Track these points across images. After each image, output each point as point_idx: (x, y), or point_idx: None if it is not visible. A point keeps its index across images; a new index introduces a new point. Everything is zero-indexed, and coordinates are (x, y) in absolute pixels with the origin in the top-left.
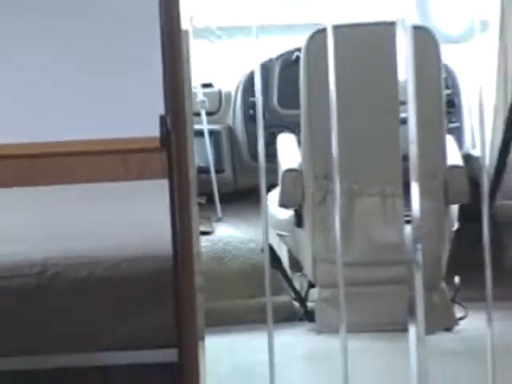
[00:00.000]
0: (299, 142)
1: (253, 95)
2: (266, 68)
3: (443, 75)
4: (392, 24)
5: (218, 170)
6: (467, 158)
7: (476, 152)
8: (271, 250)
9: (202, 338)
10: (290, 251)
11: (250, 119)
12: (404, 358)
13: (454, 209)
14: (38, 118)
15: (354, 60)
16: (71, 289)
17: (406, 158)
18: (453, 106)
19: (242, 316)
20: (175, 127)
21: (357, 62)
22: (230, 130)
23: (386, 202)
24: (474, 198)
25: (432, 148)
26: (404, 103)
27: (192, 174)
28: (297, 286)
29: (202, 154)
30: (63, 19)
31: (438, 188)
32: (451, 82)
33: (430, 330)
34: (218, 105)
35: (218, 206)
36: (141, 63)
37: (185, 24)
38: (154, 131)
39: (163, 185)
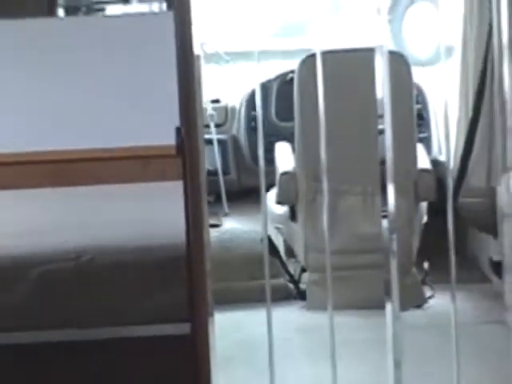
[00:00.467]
0: (293, 149)
1: (254, 110)
2: (265, 87)
3: (414, 93)
4: (371, 50)
5: (225, 173)
6: (435, 162)
7: (442, 157)
8: (270, 240)
9: (212, 314)
10: (285, 241)
11: (251, 130)
12: (382, 331)
13: (424, 205)
14: (74, 129)
15: (339, 80)
16: (102, 272)
17: (383, 163)
18: (422, 118)
19: (244, 295)
20: (188, 137)
21: (342, 82)
22: (235, 139)
23: (366, 199)
24: (440, 196)
25: (405, 154)
26: (381, 116)
27: (202, 176)
28: (291, 270)
29: (211, 159)
30: (100, 49)
31: (409, 188)
32: (421, 99)
33: (404, 307)
34: (224, 118)
35: (225, 203)
36: (160, 83)
37: (197, 50)
38: (171, 140)
39: (178, 186)
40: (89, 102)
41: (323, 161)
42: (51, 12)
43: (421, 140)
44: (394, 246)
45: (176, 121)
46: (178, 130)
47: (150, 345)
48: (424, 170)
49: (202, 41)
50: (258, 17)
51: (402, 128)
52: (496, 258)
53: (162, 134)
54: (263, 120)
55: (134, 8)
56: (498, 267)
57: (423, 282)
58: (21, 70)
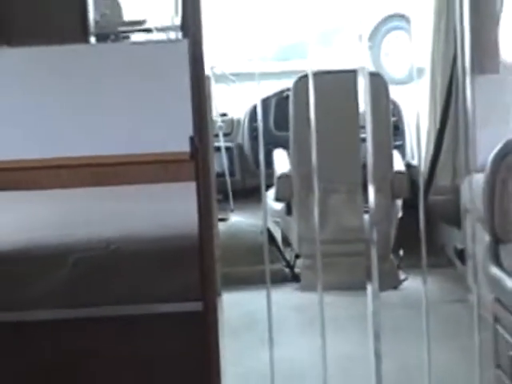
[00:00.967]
0: (289, 154)
1: (255, 122)
2: (265, 102)
3: (390, 107)
4: (354, 71)
5: (231, 175)
6: (408, 165)
7: (414, 161)
8: (269, 231)
9: (220, 294)
10: (282, 232)
11: (253, 139)
12: (363, 308)
13: (399, 202)
14: (105, 138)
15: (327, 97)
16: (127, 258)
17: (364, 166)
18: (398, 129)
19: (247, 278)
20: (200, 145)
21: (330, 98)
22: (240, 146)
23: (350, 197)
24: (413, 194)
25: (383, 159)
26: (363, 127)
27: (212, 178)
28: (287, 257)
29: (220, 163)
30: (126, 70)
31: (387, 187)
32: (396, 112)
33: (382, 288)
34: (231, 128)
35: (231, 200)
36: (176, 99)
37: (207, 71)
38: (186, 148)
39: (192, 186)
40: (117, 116)
41: (314, 164)
42: (85, 39)
43: (396, 147)
44: (374, 237)
45: (190, 131)
46: (191, 139)
47: (168, 320)
48: (399, 172)
49: (212, 64)
50: (259, 44)
51: (380, 137)
52: (459, 246)
53: (179, 142)
54: (263, 130)
55: (154, 36)
56: (461, 254)
57: (398, 267)
58: (58, 89)
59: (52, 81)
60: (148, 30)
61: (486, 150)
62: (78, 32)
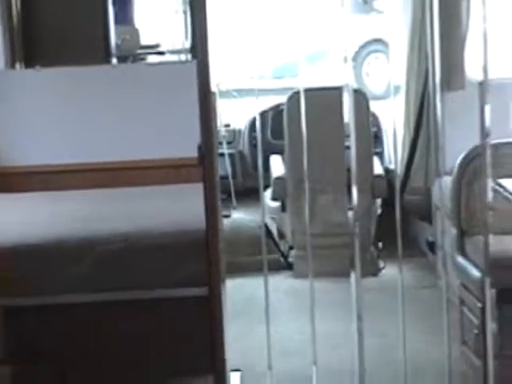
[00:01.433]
0: (283, 160)
1: (255, 131)
2: (263, 115)
3: (371, 119)
4: (340, 88)
5: (233, 177)
6: (386, 169)
7: (391, 166)
8: (266, 226)
9: (223, 280)
10: (277, 227)
11: (253, 146)
12: (347, 292)
13: (378, 201)
14: (126, 145)
15: (316, 110)
16: (143, 250)
17: (348, 170)
18: (377, 138)
19: (248, 267)
20: (207, 151)
21: (318, 111)
22: (241, 153)
23: (336, 196)
24: (390, 194)
25: (364, 164)
26: (347, 136)
27: (217, 180)
28: (282, 248)
29: (223, 167)
30: (143, 88)
31: (368, 188)
32: (376, 123)
33: (363, 275)
34: (233, 137)
35: (234, 199)
36: (186, 113)
37: (213, 88)
38: (194, 154)
39: (200, 187)
40: (135, 126)
41: (305, 168)
42: (107, 60)
43: (376, 153)
44: (357, 231)
45: (198, 140)
46: (199, 146)
47: (178, 303)
48: (378, 176)
49: (217, 81)
50: (258, 64)
51: (362, 145)
52: (430, 238)
53: (188, 149)
54: (261, 139)
55: (167, 58)
56: (432, 246)
57: (378, 257)
58: (84, 104)
59: (78, 96)
60: (162, 53)
61: (454, 156)
62: (102, 54)
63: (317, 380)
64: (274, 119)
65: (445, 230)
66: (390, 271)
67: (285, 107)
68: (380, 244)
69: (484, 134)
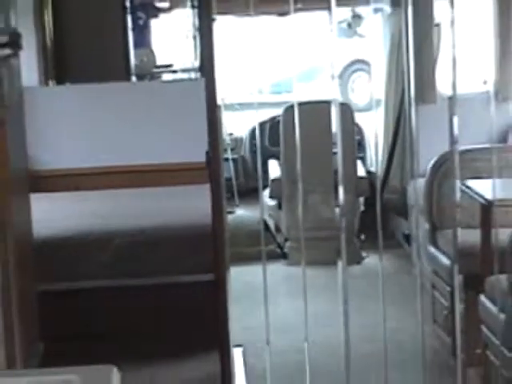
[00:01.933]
0: (279, 164)
1: (255, 139)
2: (262, 125)
3: (355, 129)
4: (328, 102)
5: (236, 179)
6: (368, 172)
7: (373, 169)
8: (264, 221)
9: (228, 268)
10: (275, 222)
11: (253, 152)
12: (335, 278)
13: (361, 199)
14: (145, 152)
15: (308, 121)
16: (158, 242)
17: (335, 173)
18: (360, 145)
19: (248, 256)
20: (213, 157)
21: (310, 122)
22: (243, 158)
23: (325, 195)
24: (372, 193)
25: (349, 167)
26: (335, 143)
27: (222, 181)
28: (278, 240)
29: (228, 170)
30: (159, 102)
31: (352, 188)
32: (359, 132)
33: (349, 263)
34: (236, 144)
35: (236, 198)
36: (195, 123)
37: (219, 102)
38: (202, 159)
39: (207, 187)
40: (152, 135)
41: (298, 171)
42: (128, 78)
43: (359, 158)
44: (343, 225)
45: (205, 147)
46: (207, 152)
47: (189, 287)
48: (361, 177)
49: (222, 96)
50: (257, 81)
51: (347, 151)
52: (406, 232)
53: (197, 155)
54: (260, 146)
55: (179, 76)
56: (407, 238)
57: (361, 248)
58: (108, 115)
59: (102, 109)
60: (174, 71)
61: (426, 161)
62: (123, 73)
63: (308, 353)
64: (271, 129)
65: (419, 225)
66: (371, 260)
67: (281, 118)
68: (363, 236)
69: (453, 141)
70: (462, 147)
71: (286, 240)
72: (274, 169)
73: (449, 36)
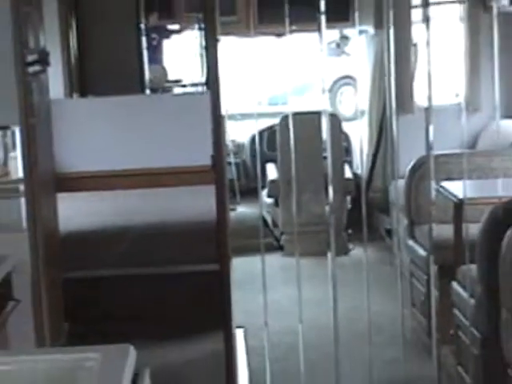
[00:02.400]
0: (276, 167)
1: (254, 145)
2: (261, 133)
3: (343, 136)
4: (319, 113)
5: (238, 180)
6: (354, 174)
7: (358, 171)
8: (263, 217)
9: (230, 258)
10: (272, 218)
11: (253, 156)
12: (325, 268)
13: (348, 198)
14: (156, 156)
15: (301, 129)
16: (167, 237)
17: (325, 175)
18: (347, 150)
19: (249, 248)
20: (218, 160)
21: (303, 130)
22: (244, 162)
23: (316, 195)
24: (358, 193)
25: (337, 170)
26: (325, 149)
27: (226, 182)
28: (275, 234)
29: (230, 172)
30: (170, 113)
31: (340, 188)
32: (346, 139)
33: (337, 254)
34: (238, 150)
35: (238, 197)
36: (202, 131)
37: (223, 112)
38: (208, 162)
39: (212, 188)
40: (163, 141)
41: (293, 173)
42: (142, 91)
43: (346, 162)
44: (332, 221)
45: (211, 151)
46: (212, 156)
47: (196, 275)
48: (348, 179)
49: (226, 107)
50: (257, 94)
51: (336, 155)
52: (388, 227)
53: (204, 159)
54: (259, 151)
55: (188, 89)
56: (389, 232)
57: (348, 241)
58: (124, 124)
59: (120, 119)
60: (184, 85)
61: (405, 164)
62: (138, 87)
63: (302, 333)
64: (269, 136)
65: (399, 220)
66: (357, 252)
67: (277, 127)
68: (350, 231)
69: (428, 147)
70: (436, 152)
71: (282, 234)
72: (272, 171)
73: (425, 54)
